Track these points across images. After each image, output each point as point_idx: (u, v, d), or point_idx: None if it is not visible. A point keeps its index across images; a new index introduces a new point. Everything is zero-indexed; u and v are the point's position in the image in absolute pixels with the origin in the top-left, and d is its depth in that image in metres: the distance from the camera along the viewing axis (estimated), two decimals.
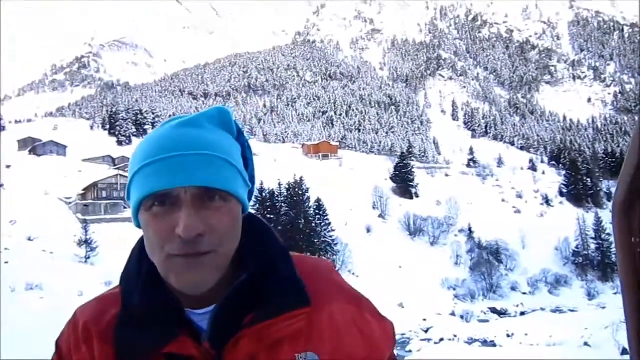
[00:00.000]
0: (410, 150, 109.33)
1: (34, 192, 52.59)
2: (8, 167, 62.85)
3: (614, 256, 50.76)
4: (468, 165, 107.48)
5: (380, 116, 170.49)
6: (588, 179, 74.80)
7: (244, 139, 0.92)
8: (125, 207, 53.60)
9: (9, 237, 39.21)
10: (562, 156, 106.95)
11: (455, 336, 29.38)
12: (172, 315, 0.84)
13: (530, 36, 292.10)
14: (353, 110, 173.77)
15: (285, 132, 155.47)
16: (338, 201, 58.09)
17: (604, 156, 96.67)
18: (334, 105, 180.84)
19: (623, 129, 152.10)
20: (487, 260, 50.19)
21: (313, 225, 50.75)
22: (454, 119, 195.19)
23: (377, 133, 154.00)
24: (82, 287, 29.95)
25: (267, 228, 0.96)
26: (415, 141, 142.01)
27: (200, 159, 0.80)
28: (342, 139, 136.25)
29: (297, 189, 55.06)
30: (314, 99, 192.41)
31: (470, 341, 27.90)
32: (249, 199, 0.91)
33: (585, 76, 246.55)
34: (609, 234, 54.07)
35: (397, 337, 1.16)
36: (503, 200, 74.33)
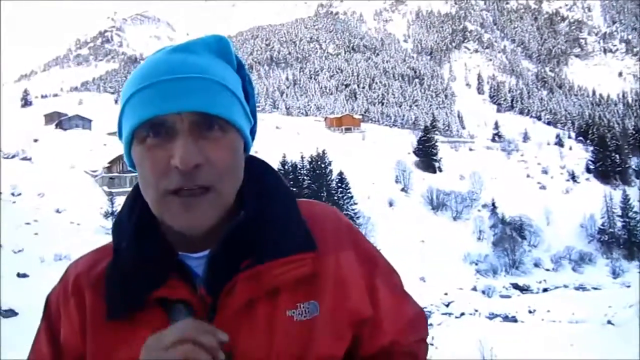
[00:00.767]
0: (434, 124, 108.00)
1: (61, 165, 53.61)
2: (35, 141, 64.05)
3: None
4: (493, 140, 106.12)
5: (404, 89, 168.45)
6: (616, 156, 73.19)
7: (244, 73, 0.84)
8: None
9: (37, 209, 40.18)
10: (590, 132, 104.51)
11: (476, 311, 29.38)
12: (164, 260, 0.78)
13: (560, 7, 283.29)
14: (376, 83, 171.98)
15: (308, 105, 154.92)
16: (360, 175, 57.96)
17: (634, 132, 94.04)
18: (357, 78, 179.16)
19: None
20: (510, 235, 49.76)
21: (335, 198, 50.82)
22: (479, 93, 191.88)
23: (400, 106, 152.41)
24: None
25: (270, 169, 0.88)
26: (439, 115, 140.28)
27: (197, 83, 0.73)
28: (365, 112, 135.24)
29: (319, 162, 55.06)
30: (336, 72, 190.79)
31: (492, 316, 27.88)
32: (252, 138, 0.84)
33: (617, 49, 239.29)
34: (636, 212, 53.17)
35: None
36: (528, 176, 73.34)
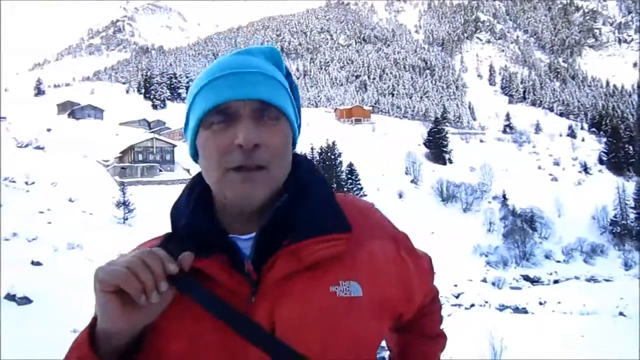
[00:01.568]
0: (445, 115, 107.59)
1: (74, 155, 53.98)
2: (48, 130, 64.51)
3: None
4: (504, 131, 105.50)
5: (415, 80, 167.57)
6: (630, 147, 72.54)
7: (291, 79, 0.96)
8: (160, 170, 54.67)
9: (50, 198, 40.55)
10: (604, 123, 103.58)
11: (486, 302, 29.32)
12: (214, 238, 0.87)
13: None
14: (387, 74, 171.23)
15: (318, 96, 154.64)
16: (370, 166, 57.89)
17: None
18: (368, 69, 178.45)
19: None
20: (521, 227, 49.51)
21: (345, 189, 50.86)
22: (490, 84, 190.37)
23: (411, 97, 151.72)
24: (121, 248, 30.90)
25: (308, 161, 0.99)
26: (450, 106, 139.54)
27: (258, 76, 0.86)
28: (375, 104, 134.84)
29: (329, 154, 55.07)
30: (347, 63, 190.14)
31: (502, 307, 27.81)
32: (298, 134, 0.95)
33: (632, 39, 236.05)
34: None
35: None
36: (539, 168, 72.89)
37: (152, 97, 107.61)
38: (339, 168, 54.06)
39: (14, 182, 43.16)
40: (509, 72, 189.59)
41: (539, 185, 62.63)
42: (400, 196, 56.28)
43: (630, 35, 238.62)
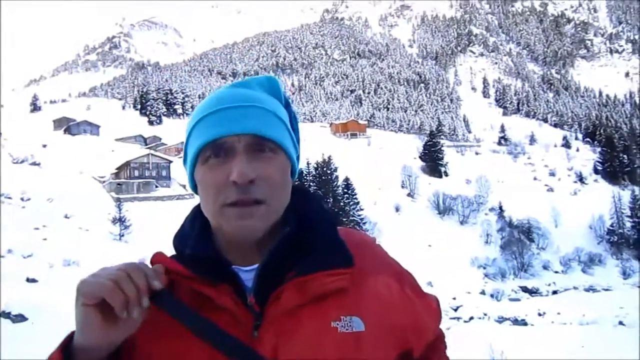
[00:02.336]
0: (440, 128, 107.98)
1: (69, 171, 53.88)
2: (44, 146, 64.44)
3: None
4: (499, 143, 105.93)
5: (409, 94, 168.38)
6: (624, 156, 72.86)
7: (291, 110, 0.96)
8: (156, 186, 54.55)
9: (46, 214, 40.37)
10: (598, 133, 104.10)
11: (485, 314, 29.19)
12: (218, 269, 0.87)
13: (566, 9, 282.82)
14: (381, 89, 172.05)
15: (313, 111, 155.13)
16: (366, 180, 57.92)
17: None
18: (362, 84, 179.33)
19: None
20: (518, 239, 49.50)
21: (341, 204, 50.77)
22: (484, 96, 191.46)
23: (405, 111, 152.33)
24: (117, 264, 30.71)
25: (312, 194, 1.00)
26: (445, 119, 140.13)
27: (252, 110, 0.86)
28: (370, 118, 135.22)
29: (325, 168, 55.03)
30: (342, 78, 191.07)
31: (501, 320, 27.67)
32: (297, 166, 0.95)
33: (623, 49, 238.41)
34: None
35: None
36: (535, 179, 73.11)
37: (148, 113, 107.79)
38: (335, 183, 54.00)
39: (9, 198, 42.98)
40: (503, 84, 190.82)
41: (535, 196, 62.73)
42: (397, 210, 56.24)
43: (621, 46, 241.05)
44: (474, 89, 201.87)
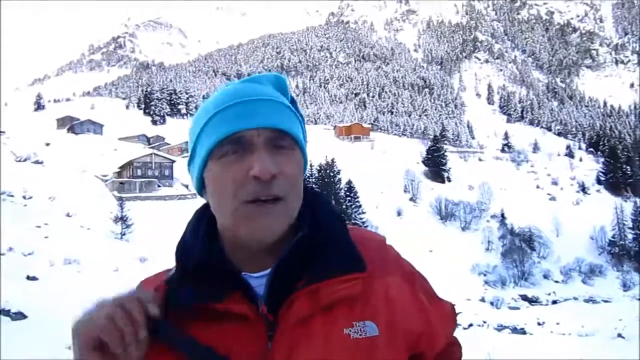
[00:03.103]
0: (444, 133, 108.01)
1: (72, 170, 53.98)
2: (47, 144, 64.61)
3: None
4: (502, 150, 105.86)
5: (414, 99, 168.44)
6: (628, 167, 72.72)
7: (296, 107, 0.92)
8: (159, 186, 54.64)
9: (48, 212, 40.44)
10: (601, 143, 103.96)
11: (484, 322, 29.09)
12: (228, 276, 0.84)
13: (572, 18, 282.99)
14: (386, 93, 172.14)
15: (317, 113, 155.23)
16: (369, 184, 57.91)
17: None
18: (367, 87, 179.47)
19: None
20: (519, 247, 49.43)
21: (344, 207, 50.81)
22: (489, 103, 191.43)
23: (409, 116, 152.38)
24: (118, 264, 30.72)
25: (322, 196, 0.96)
26: (449, 125, 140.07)
27: (271, 104, 0.83)
28: (374, 121, 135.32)
29: (328, 171, 55.12)
30: (346, 81, 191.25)
31: (500, 328, 27.58)
32: (307, 164, 0.92)
33: (629, 60, 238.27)
34: None
35: None
36: (537, 187, 73.02)
37: (151, 112, 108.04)
38: (338, 185, 54.06)
39: (11, 196, 43.06)
40: (507, 92, 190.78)
41: (537, 204, 62.64)
42: (399, 214, 56.23)
43: (627, 56, 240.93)
44: (478, 95, 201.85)
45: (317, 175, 54.80)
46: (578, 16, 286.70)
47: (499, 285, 43.04)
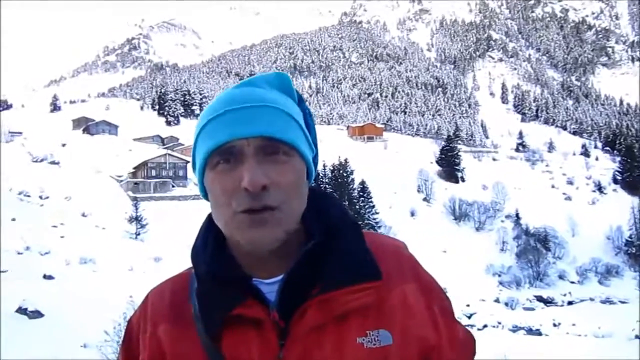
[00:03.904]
0: (457, 133, 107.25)
1: (88, 170, 54.54)
2: (63, 145, 65.30)
3: None
4: (517, 150, 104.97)
5: (427, 98, 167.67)
6: None
7: (304, 106, 0.90)
8: (173, 186, 54.99)
9: (64, 212, 40.91)
10: (618, 142, 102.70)
11: (499, 323, 28.91)
12: (239, 283, 0.83)
13: (587, 16, 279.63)
14: (399, 92, 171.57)
15: (330, 113, 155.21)
16: (382, 184, 57.77)
17: None
18: (380, 87, 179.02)
19: None
20: (535, 247, 48.99)
21: (357, 207, 50.73)
22: (503, 102, 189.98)
23: (423, 115, 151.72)
24: (133, 263, 30.99)
25: (335, 200, 0.94)
26: (463, 124, 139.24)
27: (262, 110, 0.80)
28: (387, 121, 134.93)
29: (341, 171, 55.07)
30: (359, 81, 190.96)
31: (515, 329, 27.39)
32: (314, 167, 0.89)
33: None
34: None
35: None
36: (553, 186, 72.33)
37: (166, 113, 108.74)
38: (351, 186, 53.99)
39: (28, 196, 43.67)
40: (522, 91, 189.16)
41: (552, 204, 62.06)
42: (413, 214, 56.04)
43: None
44: (492, 94, 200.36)
45: (330, 175, 54.78)
46: (593, 13, 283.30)
47: (514, 286, 42.72)
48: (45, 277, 24.75)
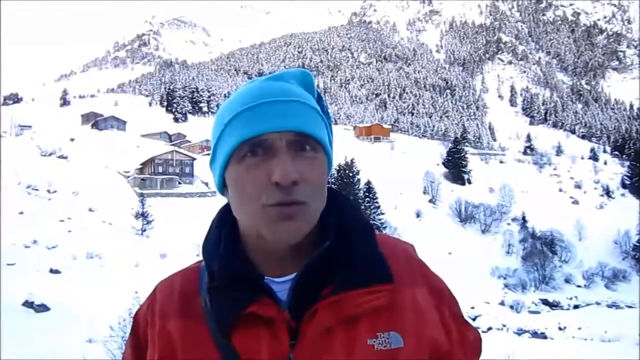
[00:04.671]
0: (464, 135, 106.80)
1: (95, 165, 54.78)
2: (72, 140, 65.60)
3: None
4: (525, 153, 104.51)
5: (435, 100, 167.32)
6: None
7: (323, 104, 0.89)
8: (179, 183, 55.13)
9: (71, 207, 41.10)
10: (627, 146, 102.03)
11: (504, 326, 28.82)
12: (252, 281, 0.82)
13: (599, 19, 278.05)
14: (407, 93, 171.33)
15: (338, 113, 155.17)
16: (388, 184, 57.64)
17: None
18: (388, 88, 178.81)
19: None
20: (541, 250, 48.73)
21: (362, 208, 50.66)
22: (511, 105, 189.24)
23: (430, 117, 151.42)
24: (138, 259, 31.09)
25: (350, 201, 0.94)
26: (470, 126, 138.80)
27: (295, 105, 0.80)
28: (394, 122, 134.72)
29: (347, 171, 55.01)
30: (367, 81, 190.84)
31: (520, 332, 27.31)
32: (332, 165, 0.90)
33: None
34: None
35: None
36: (560, 190, 71.92)
37: (174, 110, 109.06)
38: (357, 186, 53.90)
39: (36, 190, 43.89)
40: (531, 94, 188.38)
41: (559, 207, 61.71)
42: (418, 215, 55.87)
43: None
44: (500, 97, 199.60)
45: (336, 175, 54.72)
46: (605, 17, 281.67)
47: (519, 289, 42.54)
48: (51, 271, 24.92)
